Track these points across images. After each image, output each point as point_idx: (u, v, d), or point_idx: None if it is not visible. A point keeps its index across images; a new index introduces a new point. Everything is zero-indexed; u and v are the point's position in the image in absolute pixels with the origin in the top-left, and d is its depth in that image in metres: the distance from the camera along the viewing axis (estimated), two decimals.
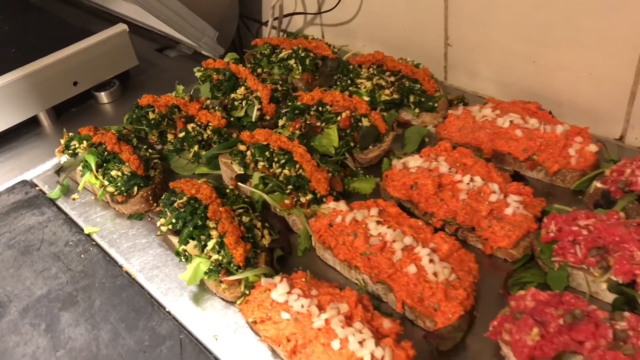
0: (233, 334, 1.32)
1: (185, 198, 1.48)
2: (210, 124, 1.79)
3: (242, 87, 1.95)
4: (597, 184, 1.44)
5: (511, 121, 1.62)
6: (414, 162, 1.56)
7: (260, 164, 1.60)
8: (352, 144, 1.68)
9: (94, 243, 1.63)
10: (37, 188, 1.88)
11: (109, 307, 1.43)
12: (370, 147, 1.69)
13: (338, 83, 1.96)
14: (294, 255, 1.50)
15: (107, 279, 1.50)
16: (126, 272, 1.52)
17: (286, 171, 1.55)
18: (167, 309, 1.41)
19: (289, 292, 1.27)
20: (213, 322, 1.36)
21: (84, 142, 1.77)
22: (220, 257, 1.37)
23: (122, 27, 2.29)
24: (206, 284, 1.43)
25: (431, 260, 1.28)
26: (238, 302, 1.36)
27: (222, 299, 1.40)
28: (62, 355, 1.33)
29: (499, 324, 1.15)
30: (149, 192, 1.68)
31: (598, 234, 1.26)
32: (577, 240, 1.27)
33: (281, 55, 2.10)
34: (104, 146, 1.73)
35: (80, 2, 2.92)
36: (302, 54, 2.05)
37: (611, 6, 1.48)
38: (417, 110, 1.81)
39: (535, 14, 1.65)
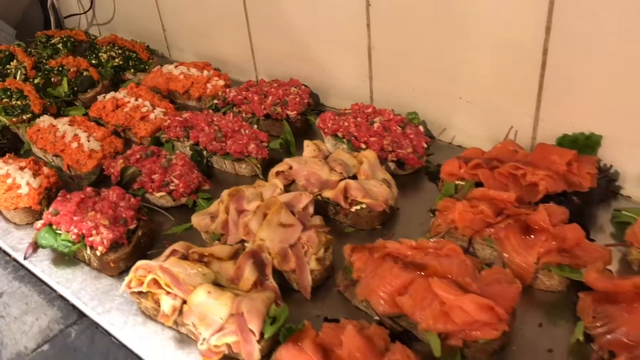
0: None
1: None
2: None
3: (15, 61, 2.71)
4: (215, 101, 2.31)
5: (181, 71, 2.48)
6: (109, 95, 2.37)
7: (4, 100, 2.35)
8: (76, 89, 2.48)
9: None
10: None
11: None
12: (89, 90, 2.50)
13: (88, 57, 2.76)
14: (20, 153, 2.24)
15: None
16: None
17: (19, 102, 2.32)
18: None
19: None
20: None
21: None
22: None
23: None
24: None
25: (89, 140, 2.07)
26: None
27: None
28: None
29: (108, 164, 1.95)
30: None
31: (189, 120, 2.10)
32: (178, 125, 2.10)
33: (53, 41, 2.89)
34: None
35: None
36: (66, 39, 2.85)
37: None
38: (133, 70, 2.65)
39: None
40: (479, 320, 1.24)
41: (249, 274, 1.42)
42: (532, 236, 1.44)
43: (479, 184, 1.66)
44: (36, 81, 2.51)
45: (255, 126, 2.06)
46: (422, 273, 1.35)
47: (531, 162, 1.64)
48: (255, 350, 1.29)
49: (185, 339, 1.42)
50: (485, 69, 1.79)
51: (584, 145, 1.68)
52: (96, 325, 1.49)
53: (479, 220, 1.50)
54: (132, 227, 1.66)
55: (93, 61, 2.65)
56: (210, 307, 1.34)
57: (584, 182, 1.58)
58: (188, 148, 2.06)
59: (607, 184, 1.65)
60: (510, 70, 1.74)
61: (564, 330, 1.32)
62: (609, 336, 1.21)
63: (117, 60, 2.67)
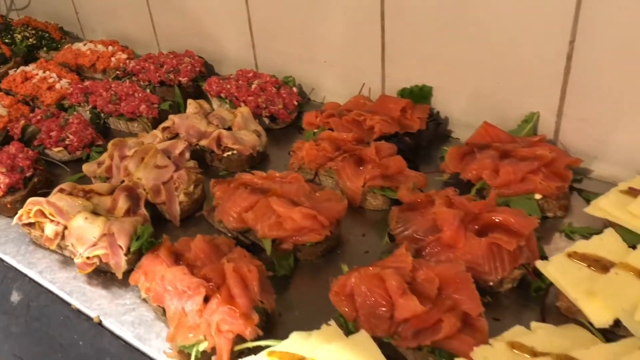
0: None
1: None
2: None
3: None
4: (117, 72, 2.54)
5: (88, 48, 2.70)
6: (28, 68, 2.58)
7: None
8: None
9: None
10: None
11: None
12: (1, 66, 2.69)
13: (3, 37, 2.95)
14: None
15: None
16: None
17: None
18: None
19: None
20: None
21: None
22: None
23: None
24: None
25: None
26: None
27: None
28: None
29: (12, 125, 2.16)
30: None
31: (89, 88, 2.33)
32: (79, 92, 2.33)
33: None
34: None
35: None
36: None
37: None
38: (46, 49, 2.86)
39: None
40: (305, 227, 1.53)
41: (122, 204, 1.68)
42: (362, 167, 1.74)
43: (331, 130, 1.95)
44: None
45: (148, 90, 2.30)
46: (266, 195, 1.63)
47: (373, 110, 1.94)
48: (122, 261, 1.54)
49: (69, 261, 1.65)
50: (339, 34, 2.08)
51: (419, 95, 1.99)
52: None
53: (322, 156, 1.79)
54: (28, 174, 1.88)
55: (7, 41, 2.84)
56: (86, 229, 1.58)
57: (414, 125, 1.90)
58: (88, 112, 2.29)
59: (436, 127, 1.96)
60: (358, 35, 2.03)
61: (381, 238, 1.61)
62: (404, 233, 1.51)
63: (31, 40, 2.87)
